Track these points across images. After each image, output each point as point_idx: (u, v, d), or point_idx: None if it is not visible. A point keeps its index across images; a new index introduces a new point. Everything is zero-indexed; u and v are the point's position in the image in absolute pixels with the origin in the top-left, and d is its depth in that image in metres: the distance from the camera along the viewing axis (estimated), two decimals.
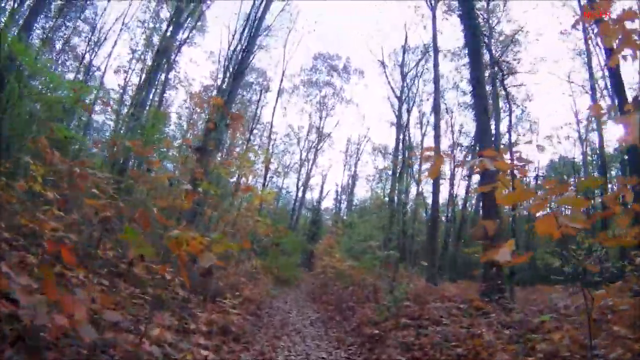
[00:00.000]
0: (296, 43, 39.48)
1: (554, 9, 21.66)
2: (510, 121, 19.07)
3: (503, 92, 19.75)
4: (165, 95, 24.14)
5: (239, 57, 21.04)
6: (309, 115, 37.62)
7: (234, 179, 10.39)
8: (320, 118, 37.55)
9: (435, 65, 18.38)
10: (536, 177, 26.83)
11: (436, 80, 18.56)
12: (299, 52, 75.74)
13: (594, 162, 25.24)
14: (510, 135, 18.03)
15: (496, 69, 18.27)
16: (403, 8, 46.82)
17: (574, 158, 27.53)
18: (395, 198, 24.68)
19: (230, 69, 22.60)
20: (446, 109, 28.79)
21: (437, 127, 17.62)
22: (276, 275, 15.87)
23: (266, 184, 29.61)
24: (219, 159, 13.60)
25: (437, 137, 17.44)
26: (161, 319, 4.08)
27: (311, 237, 29.66)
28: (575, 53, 22.73)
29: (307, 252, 25.42)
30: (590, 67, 20.35)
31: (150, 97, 19.67)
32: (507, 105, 20.67)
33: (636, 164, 7.91)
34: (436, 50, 18.59)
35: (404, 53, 28.62)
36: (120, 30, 23.09)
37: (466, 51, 13.68)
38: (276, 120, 48.25)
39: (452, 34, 26.64)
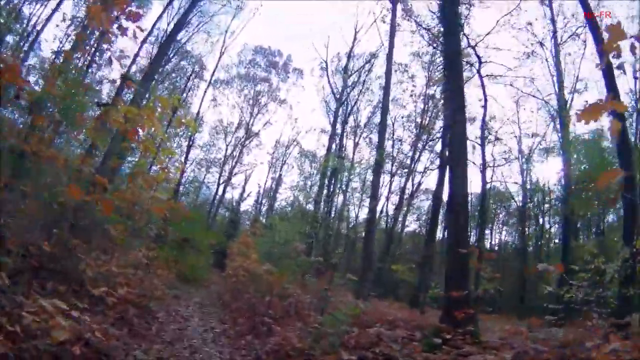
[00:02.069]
0: (238, 30, 36.99)
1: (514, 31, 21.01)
2: (485, 114, 16.98)
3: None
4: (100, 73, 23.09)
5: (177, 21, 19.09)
6: (240, 110, 35.44)
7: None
8: (251, 114, 35.66)
9: (389, 56, 17.25)
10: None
11: (388, 71, 17.36)
12: (239, 41, 72.15)
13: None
14: (483, 130, 16.55)
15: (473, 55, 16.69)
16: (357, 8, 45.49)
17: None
18: (322, 203, 23.39)
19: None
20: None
21: (383, 123, 16.51)
22: (181, 272, 13.53)
23: (186, 167, 27.20)
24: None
25: (382, 132, 16.35)
26: None
27: (228, 237, 27.35)
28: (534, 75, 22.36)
29: (222, 251, 23.18)
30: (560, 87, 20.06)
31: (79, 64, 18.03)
32: (483, 97, 17.89)
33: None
34: (392, 44, 17.40)
35: (350, 52, 28.30)
36: None
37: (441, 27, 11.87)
38: (206, 110, 45.30)
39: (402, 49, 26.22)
